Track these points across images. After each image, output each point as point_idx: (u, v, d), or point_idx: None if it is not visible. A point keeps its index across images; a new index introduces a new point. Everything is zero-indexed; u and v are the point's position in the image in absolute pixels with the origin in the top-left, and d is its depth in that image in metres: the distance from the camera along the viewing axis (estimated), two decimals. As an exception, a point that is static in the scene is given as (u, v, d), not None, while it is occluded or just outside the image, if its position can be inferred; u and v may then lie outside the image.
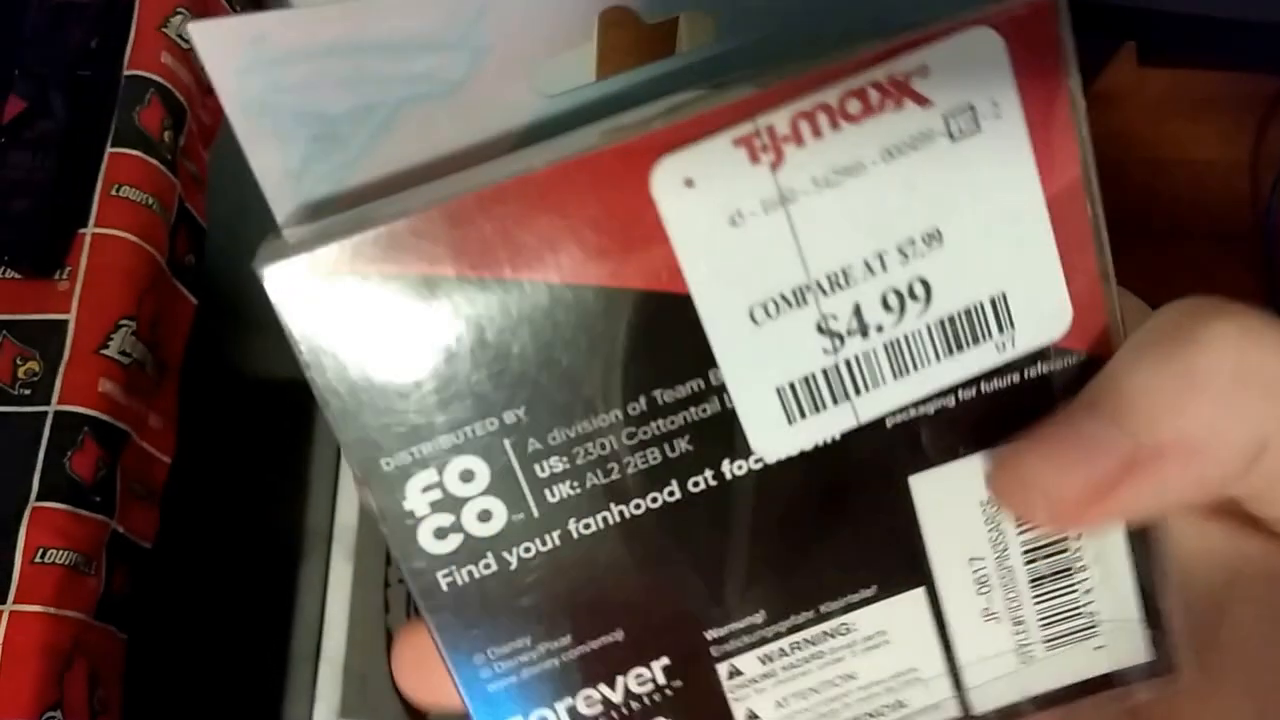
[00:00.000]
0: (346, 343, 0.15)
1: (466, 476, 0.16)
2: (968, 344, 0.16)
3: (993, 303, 0.16)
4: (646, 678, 0.18)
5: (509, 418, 0.16)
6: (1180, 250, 0.59)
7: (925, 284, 0.16)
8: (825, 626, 0.18)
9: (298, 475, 0.57)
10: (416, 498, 0.16)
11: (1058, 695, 0.19)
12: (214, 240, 0.45)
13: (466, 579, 0.17)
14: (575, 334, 0.16)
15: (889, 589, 0.18)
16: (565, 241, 0.15)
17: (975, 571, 0.18)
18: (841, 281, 0.16)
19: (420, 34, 0.16)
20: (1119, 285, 0.16)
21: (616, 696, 0.17)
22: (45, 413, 0.38)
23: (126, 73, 0.43)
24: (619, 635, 0.17)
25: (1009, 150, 0.15)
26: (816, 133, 0.15)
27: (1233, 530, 0.17)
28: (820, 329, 0.16)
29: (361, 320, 0.15)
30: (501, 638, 0.17)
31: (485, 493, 0.16)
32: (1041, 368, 0.16)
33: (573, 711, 0.17)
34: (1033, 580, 0.18)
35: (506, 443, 0.16)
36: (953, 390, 0.16)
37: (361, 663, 0.55)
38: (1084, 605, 0.18)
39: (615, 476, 0.16)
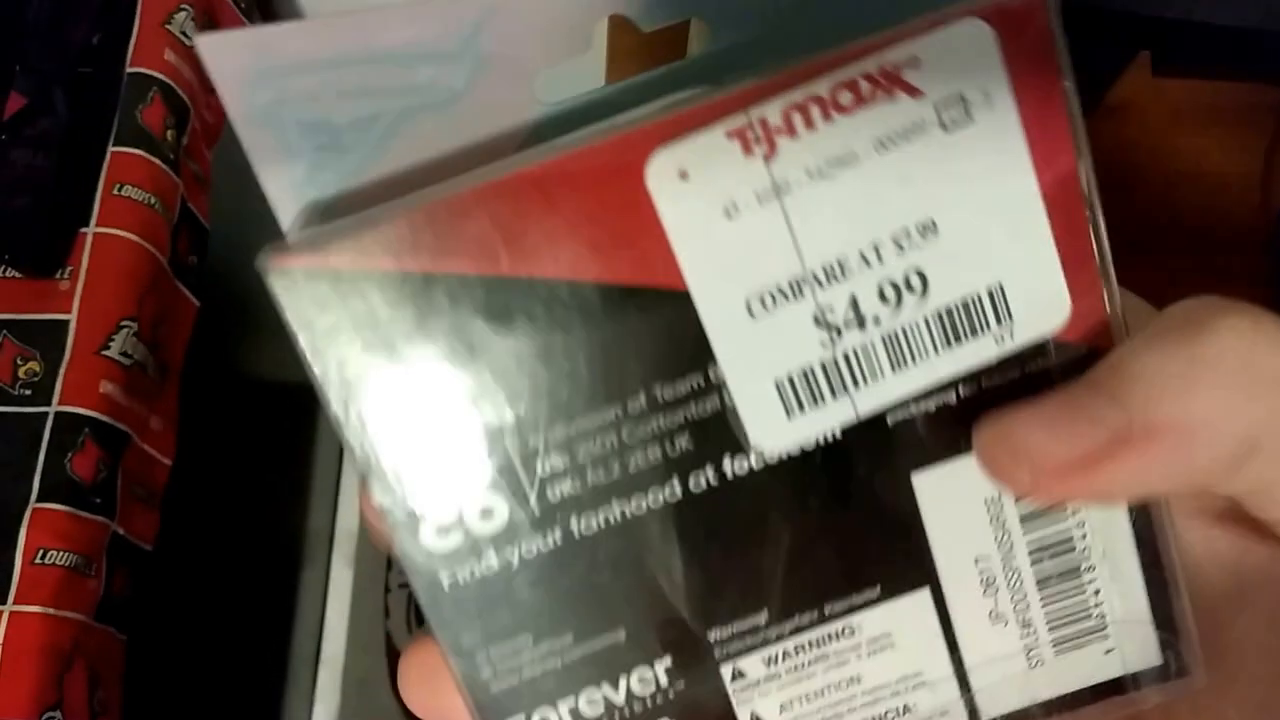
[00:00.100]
0: (350, 340, 0.15)
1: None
2: (966, 336, 0.16)
3: (990, 294, 0.16)
4: (649, 678, 0.17)
5: (508, 414, 0.16)
6: (1192, 260, 0.59)
7: (921, 275, 0.16)
8: (830, 628, 0.17)
9: (299, 479, 0.57)
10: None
11: (1067, 700, 0.18)
12: (216, 241, 0.45)
13: (468, 577, 0.16)
14: (574, 330, 0.16)
15: (893, 590, 0.17)
16: (563, 236, 0.15)
17: (980, 571, 0.17)
18: (837, 273, 0.16)
19: (422, 45, 0.16)
20: (1124, 289, 0.16)
21: (619, 697, 0.17)
22: (46, 413, 0.37)
23: (129, 70, 0.43)
24: (620, 635, 0.17)
25: (1002, 140, 0.15)
26: (809, 124, 0.15)
27: (1239, 536, 0.17)
28: (817, 321, 0.16)
29: (364, 318, 0.15)
30: (503, 636, 0.17)
31: (487, 490, 0.16)
32: (1042, 362, 0.16)
33: (575, 712, 0.17)
34: (1039, 580, 0.18)
35: (507, 440, 0.16)
36: (954, 385, 0.16)
37: (361, 667, 0.55)
38: (1092, 606, 0.18)
39: (616, 474, 0.16)
